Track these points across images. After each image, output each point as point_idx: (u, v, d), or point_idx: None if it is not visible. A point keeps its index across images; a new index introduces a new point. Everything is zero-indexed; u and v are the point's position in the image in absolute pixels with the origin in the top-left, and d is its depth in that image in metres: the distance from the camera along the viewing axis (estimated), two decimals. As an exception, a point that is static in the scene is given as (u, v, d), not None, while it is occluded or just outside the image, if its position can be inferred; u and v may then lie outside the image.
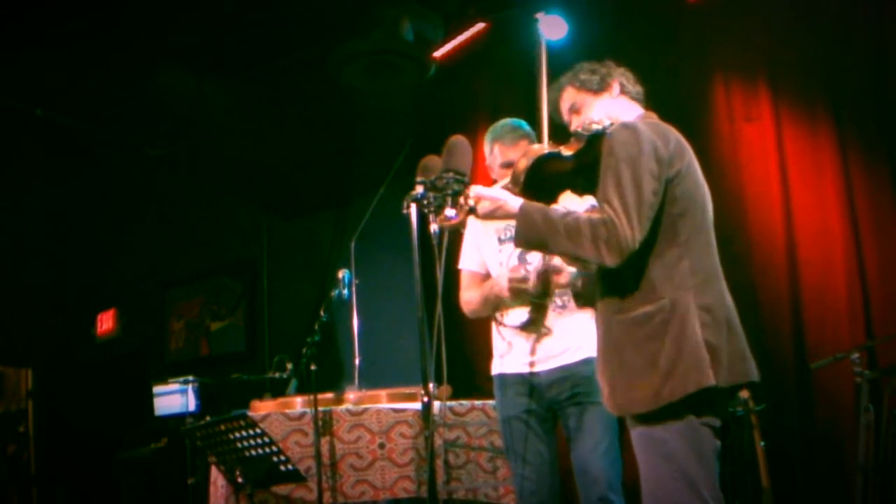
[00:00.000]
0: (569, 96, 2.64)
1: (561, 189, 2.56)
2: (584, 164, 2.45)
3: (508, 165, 3.24)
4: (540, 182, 2.45)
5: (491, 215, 2.43)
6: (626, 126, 2.37)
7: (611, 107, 2.58)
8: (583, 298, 2.97)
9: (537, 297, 3.11)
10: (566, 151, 2.47)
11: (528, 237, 2.36)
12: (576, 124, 2.59)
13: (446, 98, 5.53)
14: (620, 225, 2.21)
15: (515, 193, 2.45)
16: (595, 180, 2.37)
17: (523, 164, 2.46)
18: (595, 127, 2.44)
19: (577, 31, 4.68)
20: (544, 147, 2.50)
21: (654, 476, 2.26)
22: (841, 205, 4.01)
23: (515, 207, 2.38)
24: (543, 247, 2.39)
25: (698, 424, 2.24)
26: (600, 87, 2.60)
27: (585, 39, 4.64)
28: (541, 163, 2.46)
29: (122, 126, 5.60)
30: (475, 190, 2.44)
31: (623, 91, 2.61)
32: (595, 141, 2.42)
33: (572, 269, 3.03)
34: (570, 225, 2.27)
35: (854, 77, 4.06)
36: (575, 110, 2.61)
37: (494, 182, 3.45)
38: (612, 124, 2.43)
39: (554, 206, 2.44)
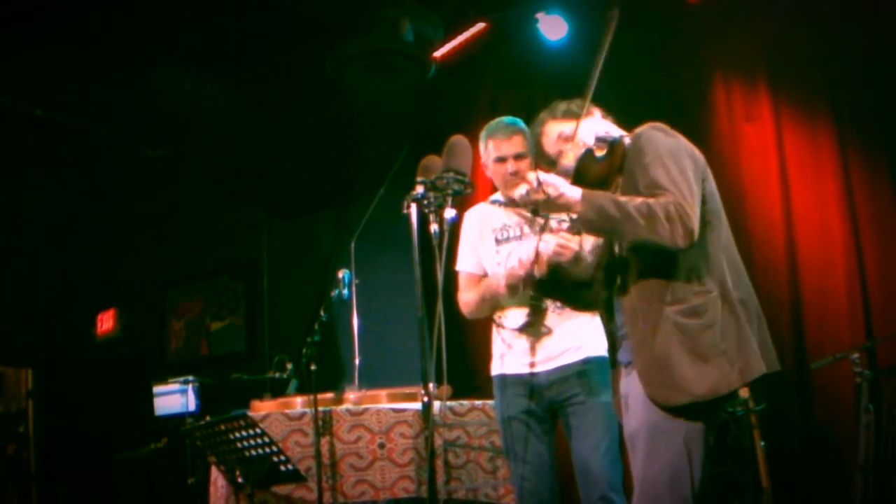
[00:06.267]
0: (553, 129, 2.68)
1: (590, 187, 2.58)
2: (610, 167, 2.52)
3: (502, 160, 3.24)
4: (578, 182, 2.47)
5: (553, 202, 2.41)
6: (654, 127, 2.47)
7: (602, 124, 2.63)
8: (578, 301, 2.99)
9: (534, 294, 3.10)
10: (598, 152, 2.50)
11: (598, 222, 2.36)
12: (570, 148, 2.59)
13: (446, 98, 5.53)
14: (687, 207, 2.27)
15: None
16: (614, 191, 2.48)
17: (572, 156, 2.47)
18: (612, 135, 2.50)
19: (577, 31, 4.68)
20: (580, 148, 2.52)
21: (656, 467, 2.33)
22: (841, 205, 4.01)
23: (577, 196, 2.38)
24: (615, 231, 2.39)
25: (705, 429, 2.34)
26: (582, 112, 2.62)
27: (585, 39, 4.64)
28: (583, 160, 2.48)
29: (122, 126, 5.59)
30: (542, 176, 2.42)
31: (604, 116, 2.68)
32: (616, 148, 2.49)
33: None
34: (642, 209, 2.28)
35: (854, 77, 4.06)
36: (565, 138, 2.64)
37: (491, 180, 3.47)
38: (623, 136, 2.51)
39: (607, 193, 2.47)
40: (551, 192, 2.38)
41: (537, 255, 2.93)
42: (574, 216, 2.47)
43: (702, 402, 2.28)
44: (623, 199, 2.35)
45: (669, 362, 2.31)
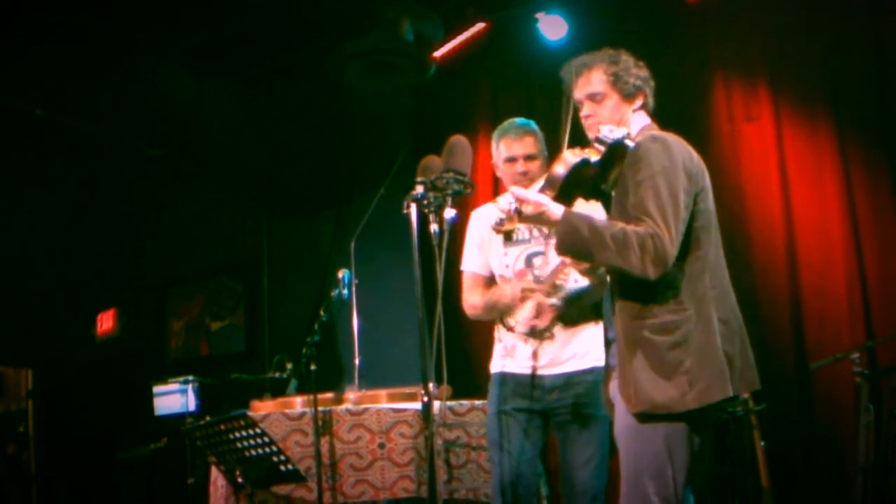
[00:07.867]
0: (598, 80, 2.57)
1: (586, 194, 2.57)
2: (607, 170, 2.49)
3: (512, 160, 3.24)
4: (570, 187, 2.46)
5: (534, 220, 2.43)
6: (655, 139, 2.43)
7: (626, 114, 2.57)
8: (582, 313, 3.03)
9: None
10: (592, 158, 2.47)
11: (572, 246, 2.38)
12: (589, 112, 2.58)
13: (446, 98, 5.53)
14: (665, 239, 2.27)
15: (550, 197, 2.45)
16: (610, 186, 2.46)
17: (562, 169, 2.45)
18: (615, 135, 2.45)
19: (577, 31, 4.68)
20: (577, 153, 2.48)
21: (637, 467, 2.35)
22: (841, 205, 4.01)
23: (557, 214, 2.38)
24: (587, 256, 2.41)
25: (689, 430, 2.33)
26: (630, 95, 2.58)
27: (585, 39, 4.64)
28: (576, 168, 2.45)
29: (122, 126, 5.59)
30: (519, 192, 2.43)
31: (643, 105, 2.61)
32: (616, 148, 2.45)
33: (579, 280, 3.02)
34: (618, 237, 2.29)
35: (854, 77, 4.07)
36: (596, 101, 2.57)
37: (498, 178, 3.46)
38: (628, 133, 2.47)
39: (589, 214, 2.45)
40: (529, 210, 2.38)
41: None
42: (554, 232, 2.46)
43: (664, 412, 2.30)
44: (602, 224, 2.36)
45: (634, 374, 2.35)
